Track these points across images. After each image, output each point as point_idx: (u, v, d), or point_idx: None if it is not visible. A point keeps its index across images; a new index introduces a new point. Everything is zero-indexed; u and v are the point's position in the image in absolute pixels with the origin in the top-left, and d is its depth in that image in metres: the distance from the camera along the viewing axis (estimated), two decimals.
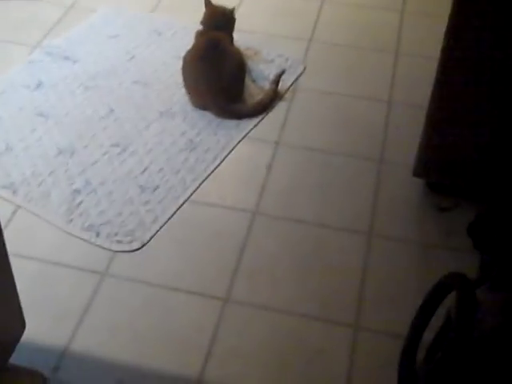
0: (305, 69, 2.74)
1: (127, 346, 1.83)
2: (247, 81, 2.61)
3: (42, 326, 1.85)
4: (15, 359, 1.66)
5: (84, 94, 2.57)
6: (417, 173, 2.22)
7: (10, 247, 1.66)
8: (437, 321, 1.63)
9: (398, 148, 2.42)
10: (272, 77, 2.60)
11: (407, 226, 2.17)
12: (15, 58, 2.72)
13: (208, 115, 2.49)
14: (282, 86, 2.64)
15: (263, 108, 2.51)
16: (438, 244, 2.11)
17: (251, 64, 2.72)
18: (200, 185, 2.26)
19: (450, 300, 1.61)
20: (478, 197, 2.14)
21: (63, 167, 2.29)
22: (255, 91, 2.61)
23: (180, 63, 2.59)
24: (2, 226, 1.63)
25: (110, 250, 2.06)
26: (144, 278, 1.99)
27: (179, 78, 2.59)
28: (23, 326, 1.77)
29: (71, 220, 2.13)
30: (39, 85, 2.60)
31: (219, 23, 2.66)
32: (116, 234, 2.10)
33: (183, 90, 2.57)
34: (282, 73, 2.60)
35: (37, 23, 2.93)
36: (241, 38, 2.76)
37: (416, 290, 1.91)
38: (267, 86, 2.62)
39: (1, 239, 1.60)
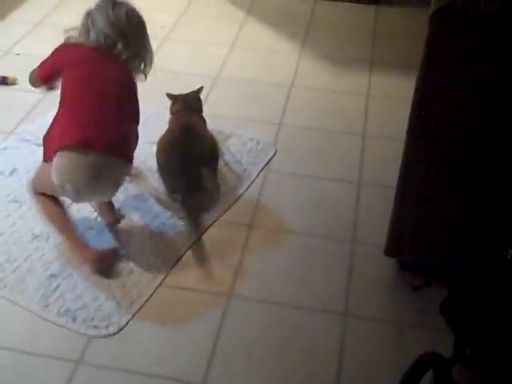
0: (276, 152, 2.82)
1: None
2: (220, 165, 2.66)
3: None
4: None
5: None
6: (389, 252, 2.26)
7: None
8: None
9: (369, 228, 2.47)
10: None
11: (381, 305, 2.20)
12: None
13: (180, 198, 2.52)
14: (253, 168, 2.70)
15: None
16: (413, 323, 2.13)
17: (223, 148, 2.78)
18: (172, 268, 2.27)
19: (426, 379, 1.63)
20: (451, 275, 2.18)
21: (39, 252, 2.29)
22: (228, 175, 2.66)
23: (153, 148, 2.64)
24: None
25: (86, 334, 2.04)
26: (121, 365, 1.97)
27: (153, 163, 2.63)
28: None
29: (47, 305, 2.12)
30: (13, 171, 2.62)
31: (186, 107, 2.72)
32: (92, 319, 2.08)
33: (156, 174, 2.61)
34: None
35: (12, 110, 2.98)
36: (213, 122, 2.83)
37: (393, 369, 1.92)
38: (239, 169, 2.67)
39: None
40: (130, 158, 2.22)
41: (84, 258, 2.20)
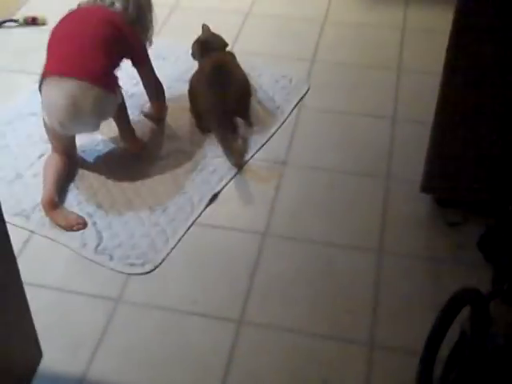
0: (309, 88, 2.77)
1: (143, 372, 1.83)
2: (253, 102, 2.63)
3: (59, 354, 1.85)
4: None
5: None
6: (424, 188, 2.23)
7: (24, 276, 1.67)
8: (452, 335, 1.63)
9: (404, 164, 2.43)
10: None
11: (417, 242, 2.18)
12: (21, 86, 2.74)
13: (214, 137, 2.50)
14: (286, 105, 2.66)
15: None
16: (449, 259, 2.11)
17: (256, 85, 2.74)
18: (207, 206, 2.27)
19: (463, 315, 1.61)
20: (488, 210, 2.15)
21: (74, 191, 2.30)
22: (261, 112, 2.63)
23: (185, 86, 2.62)
24: (16, 255, 1.64)
25: (122, 272, 2.07)
26: (158, 303, 2.00)
27: (185, 102, 2.61)
28: (40, 355, 1.78)
29: (85, 244, 2.14)
30: None
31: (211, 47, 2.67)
32: (128, 257, 2.10)
33: (189, 114, 2.59)
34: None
35: (41, 51, 2.95)
36: (244, 59, 2.78)
37: (429, 305, 1.92)
38: (272, 107, 2.64)
39: (15, 269, 1.61)
40: (106, 83, 2.22)
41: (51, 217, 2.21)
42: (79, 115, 2.18)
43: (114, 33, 2.31)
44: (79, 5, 2.45)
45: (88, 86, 2.17)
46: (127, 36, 2.35)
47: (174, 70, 2.83)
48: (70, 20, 2.38)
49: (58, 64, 2.25)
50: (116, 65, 2.34)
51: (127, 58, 2.40)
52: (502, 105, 1.99)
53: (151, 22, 2.49)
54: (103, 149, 2.47)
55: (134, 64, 2.45)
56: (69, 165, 2.35)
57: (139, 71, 2.50)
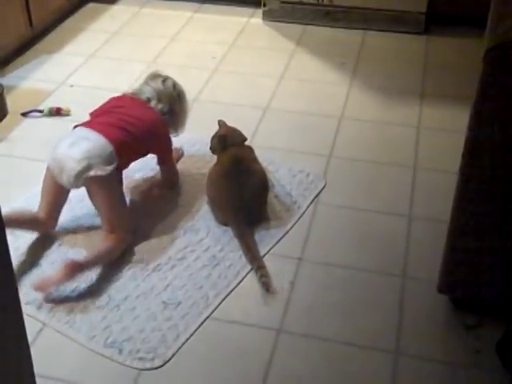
0: (325, 184, 2.78)
1: None
2: (270, 197, 2.64)
3: None
4: None
5: None
6: (441, 289, 2.20)
7: (35, 367, 1.64)
8: None
9: (420, 263, 2.41)
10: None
11: (433, 344, 2.13)
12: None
13: (231, 231, 2.50)
14: (303, 200, 2.67)
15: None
16: (467, 363, 2.06)
17: (273, 180, 2.76)
18: (222, 301, 2.25)
19: None
20: (506, 314, 2.11)
21: (87, 283, 2.29)
22: (278, 207, 2.64)
23: (204, 179, 2.64)
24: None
25: (131, 367, 2.03)
26: None
27: (203, 194, 2.63)
28: None
29: (94, 336, 2.11)
30: None
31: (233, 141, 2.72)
32: (138, 351, 2.07)
33: (207, 207, 2.61)
34: (267, 290, 2.29)
35: None
36: (263, 153, 2.81)
37: None
38: (289, 202, 2.65)
39: (29, 361, 1.59)
40: (113, 140, 2.37)
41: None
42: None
43: (152, 130, 2.50)
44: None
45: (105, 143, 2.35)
46: (161, 136, 2.56)
47: (194, 162, 2.87)
48: (117, 99, 2.60)
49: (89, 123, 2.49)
50: (137, 155, 2.52)
51: (153, 153, 2.58)
52: None
53: (183, 115, 2.66)
54: None
55: (158, 161, 2.64)
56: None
57: (161, 167, 2.67)
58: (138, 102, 2.57)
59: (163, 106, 2.58)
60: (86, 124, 2.48)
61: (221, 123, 2.82)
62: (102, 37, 3.95)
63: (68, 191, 2.44)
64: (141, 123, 2.47)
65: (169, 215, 2.60)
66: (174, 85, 2.67)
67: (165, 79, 2.66)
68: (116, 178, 2.41)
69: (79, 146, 2.36)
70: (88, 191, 2.39)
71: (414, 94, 3.43)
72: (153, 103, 2.57)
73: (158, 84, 2.61)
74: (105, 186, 2.35)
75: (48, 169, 2.40)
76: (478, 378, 2.00)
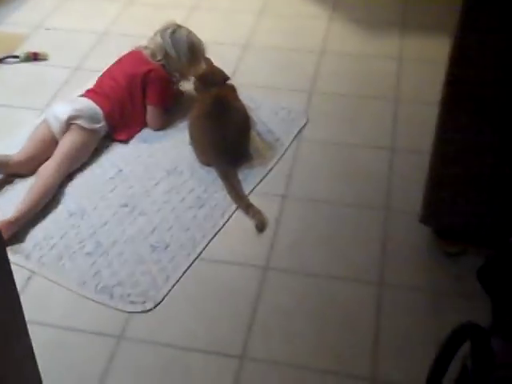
0: (308, 120, 2.78)
1: None
2: (252, 135, 2.65)
3: None
4: None
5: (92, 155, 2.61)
6: (423, 219, 2.23)
7: (25, 314, 1.67)
8: (453, 369, 1.63)
9: (403, 196, 2.44)
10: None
11: (417, 273, 2.18)
12: (24, 122, 2.76)
13: (215, 171, 2.51)
14: (286, 137, 2.68)
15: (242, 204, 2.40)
16: (449, 291, 2.11)
17: (255, 118, 2.76)
18: (210, 241, 2.28)
19: (464, 348, 1.61)
20: (487, 241, 2.15)
21: (75, 229, 2.31)
22: (260, 145, 2.64)
23: (185, 120, 2.64)
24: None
25: (123, 311, 2.07)
26: (160, 340, 2.00)
27: (185, 135, 2.63)
28: None
29: (84, 282, 2.14)
30: None
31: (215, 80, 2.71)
32: (129, 295, 2.11)
33: (189, 147, 2.61)
34: (261, 225, 2.33)
35: (43, 86, 2.98)
36: (243, 91, 2.80)
37: (430, 338, 1.92)
38: (271, 139, 2.66)
39: (19, 307, 1.61)
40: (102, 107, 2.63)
41: None
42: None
43: (135, 82, 2.71)
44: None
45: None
46: (148, 84, 2.71)
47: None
48: (118, 60, 2.84)
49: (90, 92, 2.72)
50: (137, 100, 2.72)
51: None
52: (500, 137, 2.00)
53: (186, 66, 2.80)
54: (103, 184, 2.48)
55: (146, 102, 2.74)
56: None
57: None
58: (137, 56, 2.80)
59: (163, 60, 2.77)
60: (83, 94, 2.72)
61: (207, 61, 2.80)
62: None
63: (54, 145, 2.52)
64: (124, 81, 2.71)
65: (151, 157, 2.60)
66: (185, 36, 2.81)
67: (174, 31, 2.82)
68: (93, 140, 2.59)
69: (73, 103, 2.63)
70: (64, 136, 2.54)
71: (394, 26, 3.40)
72: (155, 56, 2.77)
73: (165, 36, 2.79)
74: (80, 137, 2.52)
75: (44, 120, 2.59)
76: (460, 305, 2.05)
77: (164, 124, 2.75)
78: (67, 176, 2.49)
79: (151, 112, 2.72)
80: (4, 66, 3.11)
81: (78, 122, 2.54)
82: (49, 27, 3.41)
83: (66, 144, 2.51)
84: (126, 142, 2.66)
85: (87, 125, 2.55)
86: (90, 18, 3.49)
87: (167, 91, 2.77)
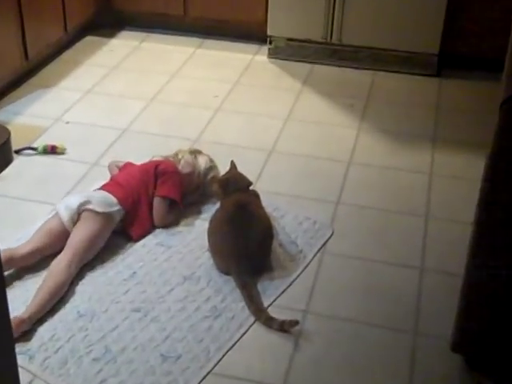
0: (333, 232, 2.83)
1: None
2: (274, 245, 2.69)
3: None
4: None
5: None
6: (454, 347, 2.22)
7: None
8: None
9: (433, 319, 2.45)
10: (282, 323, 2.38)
11: None
12: (36, 217, 2.82)
13: (233, 281, 2.54)
14: (309, 249, 2.72)
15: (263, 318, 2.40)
16: None
17: (278, 227, 2.81)
18: (224, 355, 2.28)
19: None
20: None
21: (82, 332, 2.32)
22: (282, 256, 2.68)
23: (205, 226, 2.70)
24: None
25: None
26: None
27: (204, 241, 2.68)
28: None
29: None
30: None
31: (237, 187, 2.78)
32: None
33: (208, 254, 2.65)
34: (295, 323, 2.36)
35: (59, 180, 3.07)
36: (267, 199, 2.87)
37: None
38: (294, 251, 2.70)
39: None
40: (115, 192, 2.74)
41: None
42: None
43: (149, 171, 2.86)
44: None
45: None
46: (161, 166, 2.86)
47: (193, 205, 2.93)
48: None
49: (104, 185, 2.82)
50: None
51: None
52: None
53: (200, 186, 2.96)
54: (115, 286, 2.51)
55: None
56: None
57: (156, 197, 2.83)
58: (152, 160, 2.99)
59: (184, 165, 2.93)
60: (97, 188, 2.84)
61: (232, 164, 2.90)
62: (101, 72, 4.03)
63: (64, 238, 2.56)
64: (139, 173, 2.85)
65: (167, 261, 2.64)
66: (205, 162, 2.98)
67: (197, 155, 3.01)
68: (108, 226, 2.63)
69: (84, 193, 2.78)
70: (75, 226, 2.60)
71: (425, 139, 3.51)
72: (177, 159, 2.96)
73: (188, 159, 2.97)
74: (93, 223, 2.58)
75: (55, 212, 2.68)
76: None
77: (168, 220, 2.81)
78: (79, 272, 2.53)
79: (157, 204, 2.79)
80: (21, 158, 3.21)
81: (90, 206, 2.61)
82: (68, 120, 3.54)
83: (79, 233, 2.56)
84: (139, 238, 2.72)
85: (100, 209, 2.62)
86: (112, 113, 3.62)
87: (177, 186, 2.85)
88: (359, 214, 2.96)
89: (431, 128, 3.60)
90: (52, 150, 3.26)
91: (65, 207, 2.63)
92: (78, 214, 2.61)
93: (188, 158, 2.95)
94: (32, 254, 2.55)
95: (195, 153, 3.01)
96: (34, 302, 2.34)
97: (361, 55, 4.13)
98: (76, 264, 2.50)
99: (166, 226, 2.79)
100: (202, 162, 2.97)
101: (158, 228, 2.79)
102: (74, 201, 2.65)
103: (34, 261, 2.56)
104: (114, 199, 2.69)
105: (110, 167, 3.03)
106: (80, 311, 2.40)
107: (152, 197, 2.80)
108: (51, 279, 2.41)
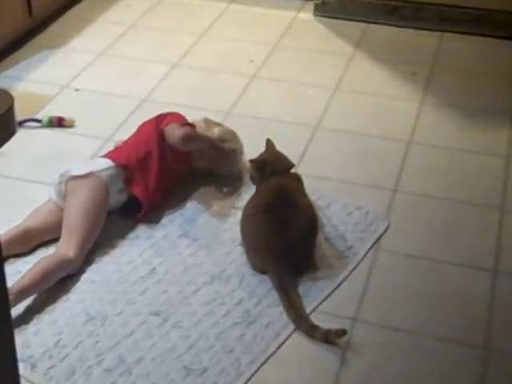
0: (389, 225, 2.82)
1: None
2: (319, 239, 2.69)
3: None
4: None
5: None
6: None
7: None
8: None
9: (508, 332, 2.43)
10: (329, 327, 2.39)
11: None
12: (38, 201, 2.84)
13: (270, 281, 2.55)
14: (360, 245, 2.71)
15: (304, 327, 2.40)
16: None
17: (324, 218, 2.81)
18: (258, 369, 2.29)
19: None
20: None
21: (93, 338, 2.35)
22: (328, 253, 2.68)
23: (238, 215, 2.71)
24: None
25: None
26: None
27: (236, 234, 2.69)
28: None
29: None
30: None
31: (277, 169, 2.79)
32: None
33: (240, 249, 2.66)
34: (343, 333, 2.36)
35: (66, 158, 3.09)
36: (311, 184, 2.87)
37: None
38: (342, 246, 2.69)
39: None
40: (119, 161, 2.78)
41: None
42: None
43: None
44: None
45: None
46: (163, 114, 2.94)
47: (224, 194, 2.95)
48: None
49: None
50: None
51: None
52: None
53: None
54: (131, 284, 2.54)
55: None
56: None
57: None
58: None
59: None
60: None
61: (269, 144, 2.89)
62: (116, 30, 4.05)
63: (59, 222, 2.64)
64: (144, 127, 2.94)
65: (192, 256, 2.66)
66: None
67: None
68: (101, 187, 2.68)
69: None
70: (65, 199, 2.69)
71: (501, 115, 3.48)
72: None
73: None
74: (81, 188, 2.66)
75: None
76: None
77: (187, 133, 2.84)
78: (88, 267, 2.57)
79: (169, 131, 2.85)
80: (23, 132, 3.24)
81: (71, 173, 2.70)
82: (78, 88, 3.57)
83: (69, 208, 2.63)
84: (145, 199, 2.76)
85: (82, 171, 2.69)
86: (129, 80, 3.65)
87: (184, 118, 2.94)
88: (420, 204, 2.95)
89: (509, 102, 3.57)
90: (59, 123, 3.29)
91: (52, 185, 2.75)
92: (63, 187, 2.70)
93: (200, 124, 2.99)
94: (19, 238, 2.63)
95: (209, 122, 3.03)
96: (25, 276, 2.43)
97: (425, 13, 4.09)
98: (76, 243, 2.55)
99: (185, 139, 2.82)
100: (217, 131, 2.98)
101: (181, 148, 2.85)
102: (56, 175, 2.74)
103: (25, 247, 2.64)
104: (103, 160, 2.78)
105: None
106: (90, 313, 2.43)
107: (155, 153, 2.82)
108: (46, 260, 2.50)
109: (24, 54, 3.79)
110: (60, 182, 2.70)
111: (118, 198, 2.74)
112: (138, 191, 2.75)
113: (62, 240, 2.58)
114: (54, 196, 2.73)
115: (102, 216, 2.66)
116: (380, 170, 3.11)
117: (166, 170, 2.83)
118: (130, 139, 2.92)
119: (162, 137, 2.84)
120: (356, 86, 3.67)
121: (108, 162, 2.75)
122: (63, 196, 2.69)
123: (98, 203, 2.66)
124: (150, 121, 2.93)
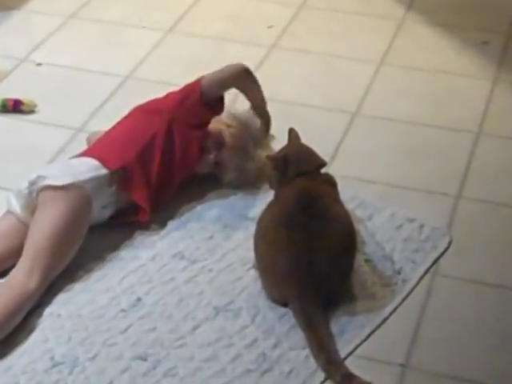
0: (450, 243, 2.81)
1: None
2: (357, 261, 2.69)
3: None
4: None
5: None
6: None
7: None
8: None
9: None
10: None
11: None
12: None
13: (292, 315, 2.54)
14: (412, 269, 2.70)
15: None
16: None
17: (364, 233, 2.81)
18: None
19: None
20: None
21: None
22: (370, 278, 2.67)
23: (251, 228, 2.71)
24: None
25: None
26: None
27: (248, 253, 2.69)
28: None
29: None
30: None
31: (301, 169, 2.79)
32: None
33: (253, 273, 2.66)
34: None
35: (26, 153, 3.10)
36: (349, 189, 2.88)
37: None
38: (389, 270, 2.69)
39: None
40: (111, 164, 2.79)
41: None
42: None
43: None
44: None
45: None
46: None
47: (236, 199, 2.98)
48: None
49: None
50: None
51: None
52: None
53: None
54: (109, 320, 2.54)
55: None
56: None
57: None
58: None
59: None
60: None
61: (292, 135, 2.89)
62: None
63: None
64: (140, 112, 3.02)
65: (190, 283, 2.66)
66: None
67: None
68: (83, 201, 2.67)
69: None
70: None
71: None
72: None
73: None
74: (56, 203, 2.64)
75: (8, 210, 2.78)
76: None
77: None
78: (52, 296, 2.57)
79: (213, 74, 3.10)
80: None
81: (46, 182, 2.67)
82: (41, 62, 3.57)
83: (37, 226, 2.62)
84: (145, 203, 2.79)
85: (60, 180, 2.66)
86: (107, 51, 3.66)
87: None
88: (492, 215, 2.95)
89: None
90: (15, 107, 3.30)
91: (16, 194, 2.72)
92: (33, 199, 2.67)
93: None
94: (3, 256, 2.66)
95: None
96: None
97: None
98: (40, 272, 2.55)
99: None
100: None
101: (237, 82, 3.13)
102: (25, 182, 2.71)
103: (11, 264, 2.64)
104: (90, 162, 2.75)
105: (89, 140, 3.07)
106: (55, 357, 2.43)
107: (160, 140, 2.87)
108: (3, 297, 2.47)
109: None
110: (30, 192, 2.68)
111: (98, 216, 2.76)
112: (138, 196, 2.78)
113: (21, 264, 2.57)
114: (17, 208, 2.71)
115: (77, 240, 2.67)
116: (439, 171, 3.12)
117: (170, 165, 2.87)
118: (116, 129, 2.92)
119: (174, 115, 2.92)
120: (407, 59, 3.68)
121: (97, 167, 2.74)
122: (31, 210, 2.67)
123: (75, 224, 2.66)
124: (157, 104, 3.00)
